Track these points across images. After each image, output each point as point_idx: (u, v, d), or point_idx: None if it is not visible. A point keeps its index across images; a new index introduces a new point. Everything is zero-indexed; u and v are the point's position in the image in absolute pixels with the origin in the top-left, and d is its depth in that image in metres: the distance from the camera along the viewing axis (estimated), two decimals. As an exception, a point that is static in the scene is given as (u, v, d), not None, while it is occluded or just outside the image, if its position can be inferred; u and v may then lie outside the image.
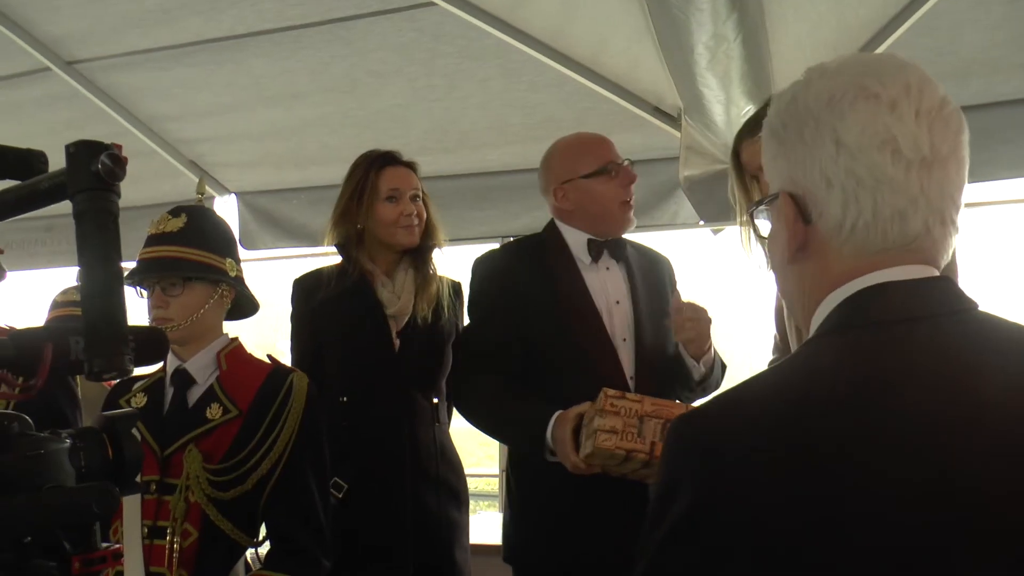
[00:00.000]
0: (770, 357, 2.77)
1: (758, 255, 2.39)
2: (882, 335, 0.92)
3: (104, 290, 0.88)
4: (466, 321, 2.85)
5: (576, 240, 2.48)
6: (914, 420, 0.84)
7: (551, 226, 2.56)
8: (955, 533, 0.80)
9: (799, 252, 1.00)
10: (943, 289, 0.95)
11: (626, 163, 2.47)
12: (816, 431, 0.85)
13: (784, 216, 1.00)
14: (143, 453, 0.97)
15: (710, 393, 2.49)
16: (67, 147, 0.90)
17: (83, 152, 0.89)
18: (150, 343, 0.96)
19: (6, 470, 0.84)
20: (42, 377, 0.87)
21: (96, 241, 0.88)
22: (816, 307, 0.99)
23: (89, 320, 0.87)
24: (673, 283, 2.61)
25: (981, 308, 0.96)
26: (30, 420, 0.90)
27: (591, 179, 2.45)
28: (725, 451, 0.87)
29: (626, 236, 2.57)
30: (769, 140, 1.04)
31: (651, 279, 2.52)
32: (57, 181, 0.91)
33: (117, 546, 0.87)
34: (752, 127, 2.32)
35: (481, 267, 2.55)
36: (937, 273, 0.96)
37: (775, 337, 2.73)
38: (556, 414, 2.21)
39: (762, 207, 1.08)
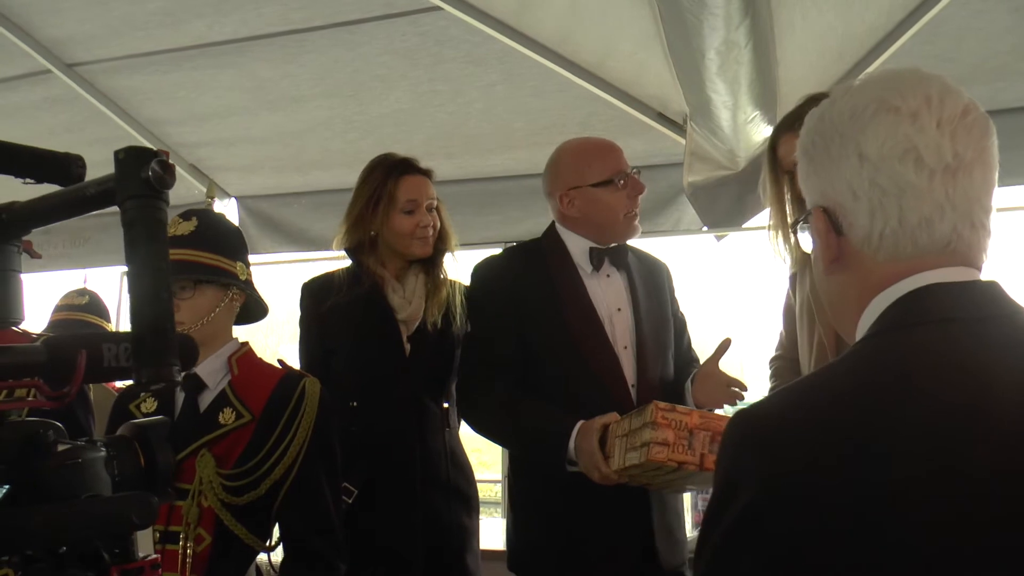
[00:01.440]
0: (772, 354, 2.78)
1: (786, 256, 2.40)
2: (932, 333, 0.94)
3: (153, 299, 0.86)
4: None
5: (578, 247, 2.45)
6: (957, 418, 0.86)
7: (551, 232, 2.53)
8: (956, 524, 0.83)
9: (834, 263, 1.04)
10: (988, 292, 0.97)
11: (635, 172, 2.45)
12: (866, 428, 0.87)
13: (817, 230, 1.04)
14: (174, 462, 0.96)
15: None
16: (116, 153, 0.89)
17: (132, 159, 0.88)
18: (181, 351, 0.95)
19: (45, 478, 0.83)
20: (76, 385, 0.86)
21: (146, 250, 0.87)
22: (861, 313, 1.02)
23: (138, 329, 0.85)
24: (672, 287, 2.60)
25: None
26: (63, 428, 0.89)
27: (599, 188, 2.40)
28: (783, 448, 0.89)
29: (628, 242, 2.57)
30: (802, 159, 1.08)
31: (651, 286, 2.51)
32: (105, 187, 0.90)
33: (154, 556, 0.86)
34: (792, 121, 2.32)
35: (482, 273, 2.53)
36: (979, 275, 0.99)
37: (781, 334, 2.74)
38: (578, 424, 2.18)
39: (802, 224, 1.11)
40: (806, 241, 1.11)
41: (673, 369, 2.50)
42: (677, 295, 2.64)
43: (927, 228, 0.96)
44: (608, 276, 2.45)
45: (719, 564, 0.91)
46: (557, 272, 2.43)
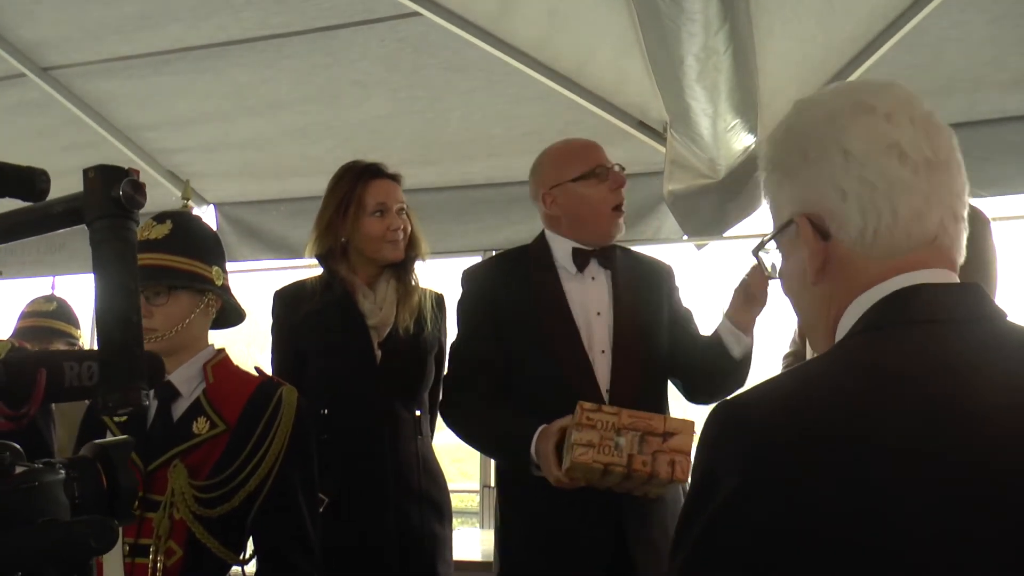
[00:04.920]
0: (786, 350, 2.78)
1: None
2: (918, 333, 0.94)
3: (122, 322, 0.84)
4: (452, 333, 2.84)
5: (562, 249, 2.45)
6: (939, 412, 0.86)
7: (540, 237, 2.54)
8: (940, 519, 0.82)
9: (820, 272, 1.02)
10: (974, 295, 0.98)
11: (616, 167, 2.43)
12: (852, 423, 0.86)
13: (803, 237, 1.02)
14: (138, 482, 0.93)
15: (741, 380, 2.44)
16: (85, 171, 0.87)
17: (102, 177, 0.86)
18: (148, 371, 0.92)
19: (0, 503, 0.80)
20: (35, 405, 0.83)
21: (116, 270, 0.85)
22: (840, 317, 1.01)
23: (106, 352, 0.83)
24: (672, 291, 2.57)
25: (1008, 317, 0.99)
26: (21, 449, 0.86)
27: (579, 182, 2.41)
28: (770, 437, 0.88)
29: (622, 245, 2.55)
30: (772, 174, 1.07)
31: (642, 289, 2.48)
32: (72, 206, 0.88)
33: (115, 583, 0.83)
34: None
35: (468, 278, 2.55)
36: (956, 277, 1.00)
37: (795, 332, 2.75)
38: (540, 428, 2.19)
39: (768, 244, 1.10)
40: (774, 259, 1.10)
41: (674, 373, 2.48)
42: (680, 294, 2.60)
43: (919, 220, 0.97)
44: (593, 278, 2.44)
45: (699, 556, 0.90)
46: (538, 277, 2.44)
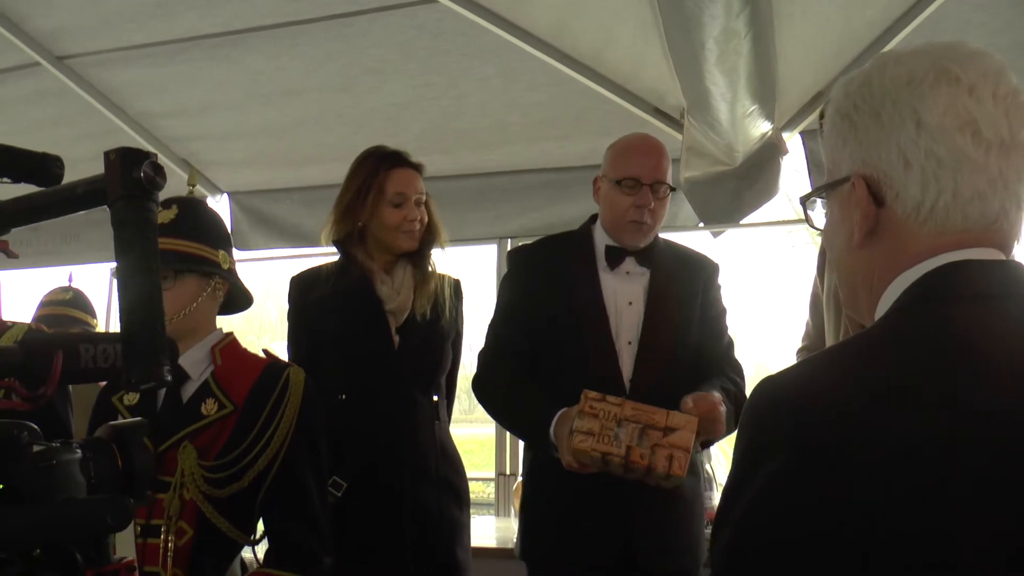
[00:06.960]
0: (799, 345, 2.76)
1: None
2: (964, 308, 0.92)
3: (145, 300, 0.86)
4: (468, 319, 2.88)
5: (600, 244, 2.49)
6: (989, 387, 0.85)
7: (584, 225, 2.58)
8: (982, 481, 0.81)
9: (869, 236, 1.00)
10: (1019, 271, 0.96)
11: (657, 186, 2.42)
12: (903, 397, 0.85)
13: (857, 199, 0.99)
14: (153, 463, 0.93)
15: None
16: (107, 153, 0.89)
17: (124, 159, 0.88)
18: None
19: (18, 481, 0.80)
20: (52, 386, 0.83)
21: (138, 250, 0.87)
22: (884, 288, 0.99)
23: (129, 330, 0.85)
24: (709, 286, 2.55)
25: None
26: (38, 429, 0.86)
27: (612, 184, 2.45)
28: (816, 414, 0.87)
29: (666, 237, 2.57)
30: (839, 123, 1.03)
31: (678, 283, 2.48)
32: (94, 187, 0.90)
33: (129, 559, 0.83)
34: None
35: (511, 259, 2.61)
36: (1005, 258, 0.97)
37: (807, 324, 2.73)
38: (560, 412, 2.21)
39: (820, 195, 1.07)
40: (819, 216, 1.08)
41: (698, 369, 2.45)
42: (720, 292, 2.59)
43: (979, 203, 0.94)
44: (628, 272, 2.46)
45: (744, 533, 0.88)
46: (576, 264, 2.48)
